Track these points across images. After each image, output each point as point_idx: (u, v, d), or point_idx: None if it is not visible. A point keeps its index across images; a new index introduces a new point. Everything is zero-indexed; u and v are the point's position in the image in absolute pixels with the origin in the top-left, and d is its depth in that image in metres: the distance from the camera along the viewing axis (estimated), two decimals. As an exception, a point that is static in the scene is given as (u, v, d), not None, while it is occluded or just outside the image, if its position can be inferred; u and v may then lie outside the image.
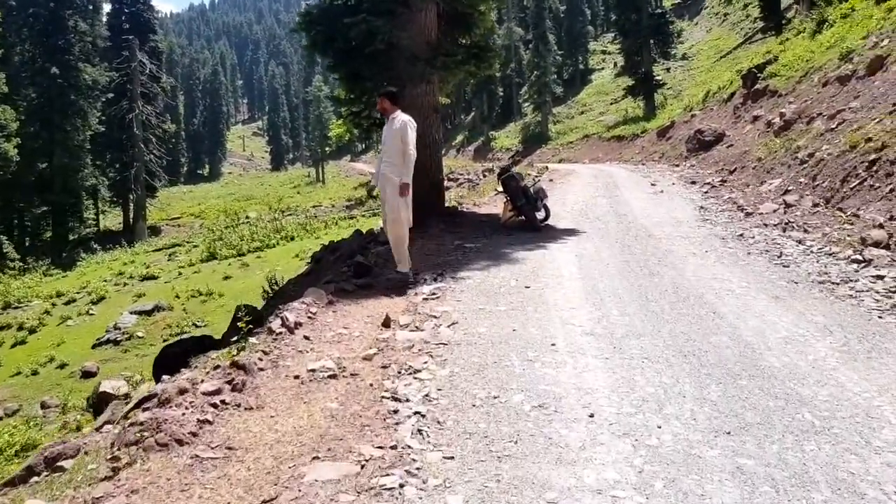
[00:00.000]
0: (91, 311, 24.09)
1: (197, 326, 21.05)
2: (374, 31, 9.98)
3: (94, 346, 20.47)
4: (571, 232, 9.37)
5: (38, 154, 39.67)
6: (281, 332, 4.48)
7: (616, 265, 6.88)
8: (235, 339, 5.47)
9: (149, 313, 22.34)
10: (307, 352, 4.29)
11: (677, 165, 21.57)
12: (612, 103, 52.19)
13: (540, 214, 10.21)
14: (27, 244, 42.54)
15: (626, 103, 47.06)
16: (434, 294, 5.93)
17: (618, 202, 13.37)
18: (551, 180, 20.62)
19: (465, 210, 13.11)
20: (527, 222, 10.05)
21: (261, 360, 3.96)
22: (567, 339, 4.58)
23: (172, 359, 5.50)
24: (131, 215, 46.61)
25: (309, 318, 4.89)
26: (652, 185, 16.65)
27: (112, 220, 52.01)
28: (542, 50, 53.33)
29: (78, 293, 27.06)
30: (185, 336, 7.25)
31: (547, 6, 56.19)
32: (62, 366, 19.13)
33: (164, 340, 20.35)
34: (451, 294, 5.97)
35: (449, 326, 4.89)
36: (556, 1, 63.83)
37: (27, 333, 22.59)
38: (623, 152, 33.55)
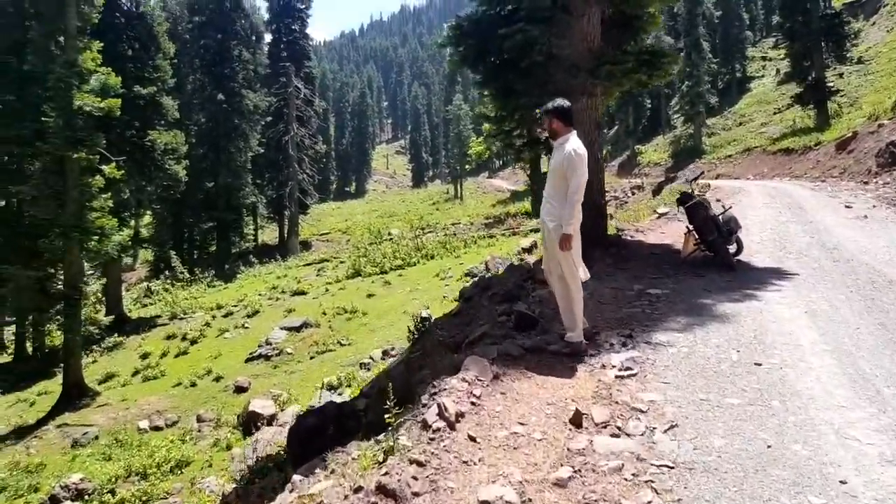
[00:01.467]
0: (246, 325, 25.03)
1: (342, 345, 21.08)
2: (531, 41, 8.87)
3: (246, 361, 21.10)
4: (777, 273, 7.58)
5: (205, 174, 42.96)
6: (439, 429, 3.42)
7: (870, 329, 5.16)
8: (379, 417, 4.52)
9: (297, 329, 22.75)
10: (475, 463, 3.18)
11: (867, 183, 18.64)
12: (775, 113, 47.38)
13: (731, 248, 8.50)
14: (195, 257, 46.18)
15: (792, 113, 42.42)
16: (628, 368, 4.58)
17: (815, 230, 11.16)
18: (718, 200, 18.33)
19: (628, 238, 11.54)
20: (714, 258, 8.39)
21: (415, 478, 2.90)
22: (865, 476, 3.06)
23: (309, 433, 4.70)
24: (285, 231, 49.13)
25: (472, 404, 3.79)
26: (846, 207, 14.15)
27: (269, 234, 55.32)
28: (695, 58, 49.65)
29: (235, 306, 28.41)
30: (322, 404, 6.47)
31: (700, 12, 52.35)
32: (218, 378, 19.82)
33: (311, 358, 20.55)
34: (651, 370, 4.60)
35: (667, 431, 3.56)
36: (710, 6, 59.44)
37: (189, 344, 23.86)
38: (793, 167, 29.84)
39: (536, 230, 30.59)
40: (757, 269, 7.92)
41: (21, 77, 26.71)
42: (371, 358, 18.65)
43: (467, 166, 73.28)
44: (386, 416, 3.67)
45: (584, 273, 5.16)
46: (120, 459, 14.97)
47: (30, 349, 29.28)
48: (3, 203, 27.99)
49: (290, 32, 52.14)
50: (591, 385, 4.34)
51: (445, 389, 3.85)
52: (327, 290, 28.19)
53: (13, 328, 30.83)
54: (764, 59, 61.60)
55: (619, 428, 3.67)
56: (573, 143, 5.11)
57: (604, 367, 4.75)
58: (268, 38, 53.10)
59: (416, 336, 9.37)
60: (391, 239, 39.91)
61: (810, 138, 30.65)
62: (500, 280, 8.71)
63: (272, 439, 13.35)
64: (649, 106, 61.95)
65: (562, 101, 5.29)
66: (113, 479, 13.74)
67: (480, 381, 4.05)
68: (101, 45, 22.11)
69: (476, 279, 10.00)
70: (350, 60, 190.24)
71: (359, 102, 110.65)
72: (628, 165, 56.97)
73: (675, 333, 5.43)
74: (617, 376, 4.46)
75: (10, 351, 30.83)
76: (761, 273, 7.58)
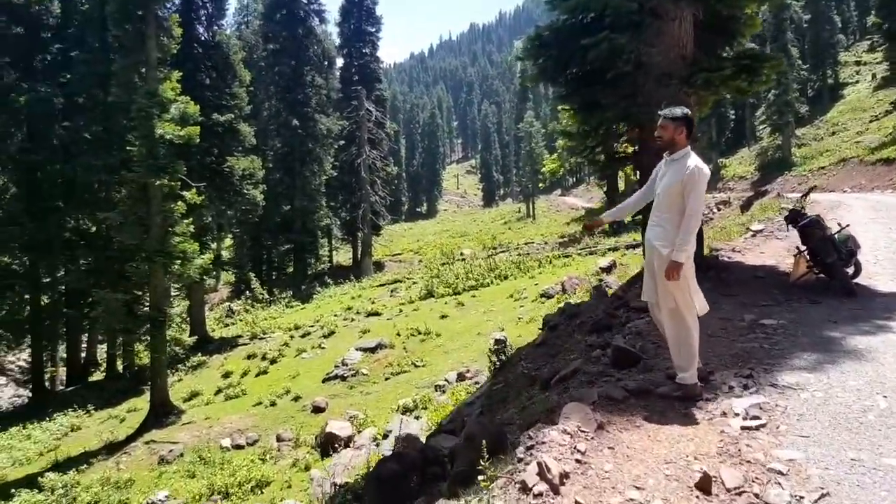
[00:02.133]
0: (322, 345, 25.24)
1: (416, 366, 20.86)
2: (617, 50, 8.35)
3: (323, 381, 21.20)
4: (908, 299, 6.69)
5: (281, 198, 44.18)
6: (541, 493, 2.95)
7: None
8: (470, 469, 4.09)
9: (372, 350, 22.71)
10: (588, 538, 2.71)
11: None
12: (871, 121, 44.33)
13: (848, 270, 7.62)
14: (273, 278, 47.46)
15: (891, 120, 39.58)
16: (755, 417, 3.95)
17: (938, 248, 10.01)
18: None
19: (725, 259, 10.70)
20: (830, 282, 7.53)
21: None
22: None
23: (390, 481, 4.33)
24: (359, 252, 49.81)
25: (577, 461, 3.29)
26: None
27: (343, 255, 56.28)
28: (783, 65, 47.17)
29: (312, 326, 28.77)
30: (402, 447, 6.09)
31: (787, 16, 49.88)
32: (296, 398, 19.96)
33: (386, 379, 20.43)
34: (783, 420, 3.95)
35: (818, 502, 2.95)
36: (798, 9, 56.59)
37: (269, 364, 24.25)
38: (895, 178, 27.66)
39: (614, 249, 29.56)
40: (882, 294, 7.04)
41: (106, 108, 28.27)
42: (446, 380, 18.29)
43: (540, 184, 72.36)
44: (477, 470, 3.24)
45: (701, 305, 4.54)
46: (203, 477, 15.17)
47: (120, 367, 30.65)
48: (94, 229, 29.59)
49: (360, 56, 53.24)
50: (713, 438, 3.73)
51: (545, 443, 3.38)
52: (401, 310, 28.14)
53: (105, 348, 32.41)
54: (858, 63, 58.06)
55: (756, 496, 3.08)
56: (696, 159, 4.55)
57: (724, 414, 4.12)
58: (339, 62, 54.41)
59: (497, 366, 8.91)
60: (463, 259, 39.64)
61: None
62: (588, 307, 8.14)
63: (349, 463, 13.16)
64: (733, 117, 59.39)
65: (687, 110, 4.71)
66: (197, 497, 13.88)
67: (584, 432, 3.55)
68: (181, 74, 22.91)
69: (562, 306, 9.45)
70: (420, 81, 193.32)
71: (429, 123, 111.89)
72: (712, 180, 54.19)
73: (803, 374, 4.73)
74: (743, 427, 3.82)
75: (102, 369, 32.40)
76: (889, 299, 6.71)
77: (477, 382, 16.46)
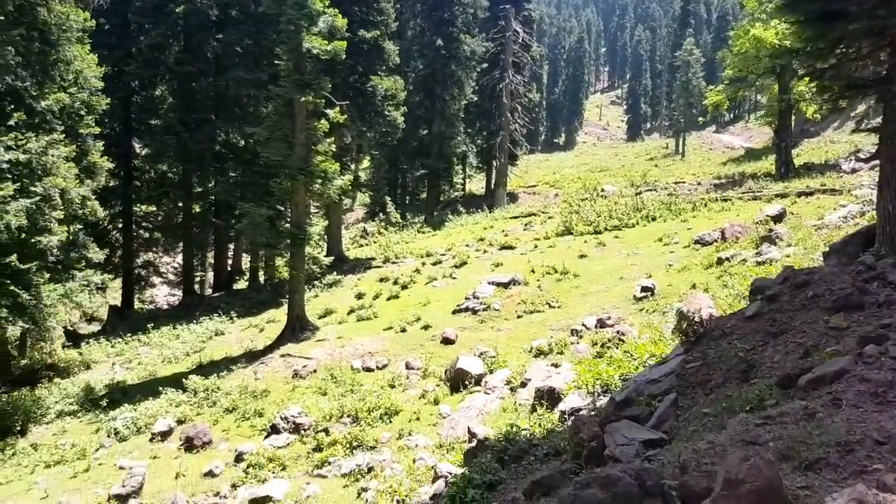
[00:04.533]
0: (454, 275, 24.71)
1: (551, 306, 19.72)
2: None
3: (453, 312, 20.70)
4: None
5: (420, 122, 43.51)
6: None
7: None
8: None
9: (505, 286, 21.82)
10: None
11: None
12: None
13: None
14: (406, 202, 47.62)
15: None
16: None
17: None
18: None
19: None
20: None
21: None
22: None
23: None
24: (493, 181, 48.59)
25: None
26: None
27: (476, 184, 55.33)
28: None
29: (443, 255, 28.32)
30: (609, 473, 4.73)
31: None
32: (426, 327, 19.65)
33: (518, 316, 19.50)
34: None
35: None
36: None
37: (400, 289, 24.15)
38: None
39: (783, 195, 26.07)
40: None
41: (258, 21, 28.33)
42: (584, 325, 16.99)
43: (700, 119, 66.30)
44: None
45: None
46: (334, 397, 15.21)
47: (262, 279, 32.12)
48: (242, 143, 30.47)
49: (512, -27, 50.12)
50: None
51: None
52: (536, 246, 26.88)
53: (249, 259, 34.10)
54: None
55: None
56: None
57: None
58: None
59: (690, 337, 7.37)
60: (605, 196, 37.21)
61: None
62: (822, 276, 6.28)
63: (484, 408, 12.41)
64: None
65: None
66: (328, 417, 13.88)
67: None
68: None
69: (784, 271, 7.60)
70: (569, 4, 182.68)
71: (575, 48, 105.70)
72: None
73: None
74: None
75: (245, 278, 34.21)
76: None
77: (620, 332, 14.98)
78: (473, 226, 36.70)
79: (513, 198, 47.06)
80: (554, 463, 7.48)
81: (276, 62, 21.04)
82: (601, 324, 16.59)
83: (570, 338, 16.37)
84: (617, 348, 12.75)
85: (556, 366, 13.50)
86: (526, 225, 33.08)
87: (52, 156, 16.88)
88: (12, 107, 16.34)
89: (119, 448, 14.48)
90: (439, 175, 45.82)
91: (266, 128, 21.26)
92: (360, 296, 24.03)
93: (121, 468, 12.89)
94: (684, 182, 40.43)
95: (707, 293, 15.16)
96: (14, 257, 15.74)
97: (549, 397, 10.77)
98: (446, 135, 43.19)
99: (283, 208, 21.83)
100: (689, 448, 4.69)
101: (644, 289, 18.27)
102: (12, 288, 15.53)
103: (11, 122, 15.87)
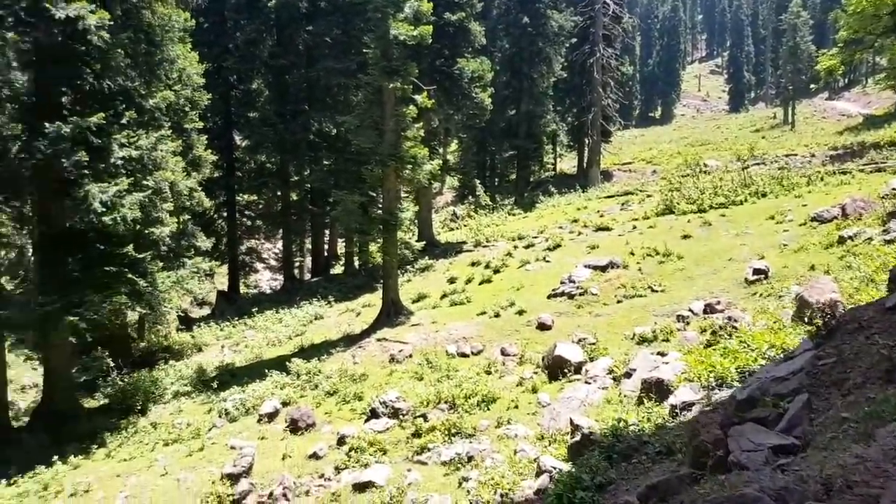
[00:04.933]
0: (547, 258, 24.16)
1: (653, 290, 18.78)
2: None
3: (548, 297, 20.20)
4: None
5: (507, 102, 42.82)
6: None
7: None
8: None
9: (602, 269, 21.05)
10: None
11: None
12: None
13: None
14: (496, 184, 47.14)
15: None
16: None
17: None
18: None
19: None
20: None
21: None
22: None
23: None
24: (585, 159, 47.23)
25: None
26: None
27: (567, 163, 54.02)
28: None
29: (536, 237, 27.78)
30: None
31: None
32: (520, 312, 19.29)
33: (618, 301, 18.70)
34: None
35: None
36: None
37: (492, 273, 23.88)
38: None
39: (911, 165, 23.64)
40: None
41: (345, 11, 28.62)
42: (690, 311, 16.03)
43: (811, 86, 61.57)
44: None
45: None
46: (430, 383, 15.19)
47: (356, 264, 32.82)
48: (334, 132, 31.04)
49: (601, -58, 48.14)
50: None
51: None
52: (634, 227, 25.77)
53: (343, 245, 34.94)
54: None
55: None
56: None
57: None
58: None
59: (822, 330, 6.65)
60: (708, 171, 35.20)
61: None
62: None
63: (586, 399, 11.93)
64: None
65: None
66: (425, 403, 13.87)
67: None
68: None
69: None
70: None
71: (669, 17, 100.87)
72: None
73: None
74: None
75: (341, 263, 35.09)
76: None
77: (731, 318, 13.98)
78: (566, 206, 35.79)
79: (607, 176, 45.58)
80: (667, 464, 7.00)
81: (364, 51, 21.16)
82: (710, 309, 15.59)
83: (676, 324, 15.52)
84: (730, 337, 11.87)
85: (662, 354, 12.78)
86: (623, 204, 31.85)
87: (162, 151, 17.76)
88: (124, 106, 17.27)
89: (230, 428, 15.16)
90: (529, 155, 44.97)
91: (356, 116, 21.49)
92: (452, 280, 23.97)
93: (231, 448, 13.47)
94: (796, 154, 37.63)
95: (829, 276, 13.90)
96: (131, 247, 16.76)
97: (656, 389, 10.16)
98: (535, 114, 42.28)
99: (374, 194, 22.03)
100: (833, 461, 4.14)
101: (756, 271, 17.02)
102: (130, 276, 16.55)
103: (124, 121, 16.78)
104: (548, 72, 42.49)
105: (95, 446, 15.60)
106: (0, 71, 16.20)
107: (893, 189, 19.72)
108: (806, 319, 8.36)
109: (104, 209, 15.30)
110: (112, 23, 16.02)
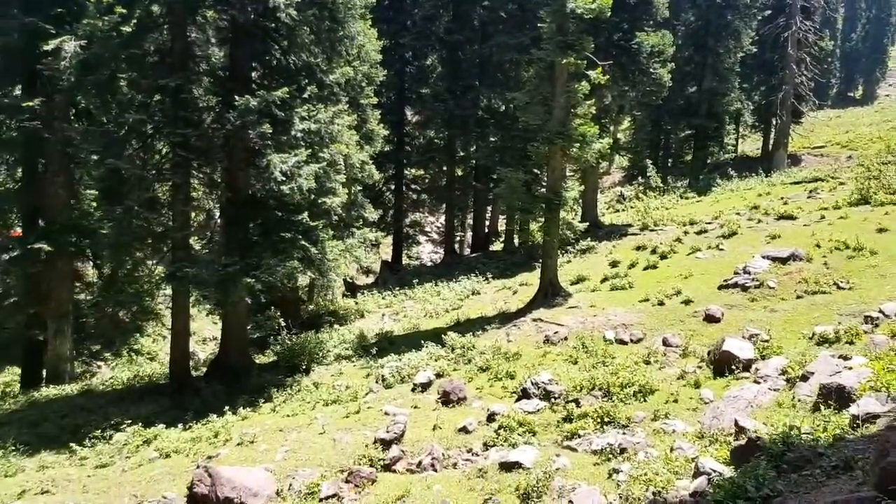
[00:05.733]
0: (721, 246, 22.50)
1: (839, 287, 16.78)
2: None
3: (719, 287, 18.81)
4: None
5: (688, 78, 40.07)
6: None
7: None
8: None
9: (783, 261, 19.17)
10: None
11: None
12: None
13: None
14: (669, 165, 44.50)
15: None
16: None
17: None
18: None
19: None
20: None
21: None
22: None
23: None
24: (770, 142, 43.09)
25: None
26: None
27: (750, 145, 49.61)
28: None
29: (710, 223, 25.99)
30: None
31: None
32: (687, 302, 18.19)
33: (798, 297, 16.93)
34: None
35: None
36: None
37: (659, 259, 22.75)
38: None
39: None
40: None
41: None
42: (881, 312, 14.13)
43: None
44: None
45: None
46: (585, 368, 14.81)
47: (516, 242, 32.82)
48: (503, 108, 31.01)
49: None
50: None
51: None
52: (823, 217, 23.16)
53: (505, 221, 35.06)
54: None
55: None
56: None
57: None
58: None
59: None
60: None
61: None
62: None
63: (754, 399, 10.93)
64: None
65: None
66: (578, 388, 13.53)
67: None
68: None
69: None
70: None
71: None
72: None
73: None
74: None
75: (501, 240, 35.31)
76: None
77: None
78: (745, 191, 32.98)
79: (795, 160, 41.27)
80: (844, 481, 6.19)
81: (539, 25, 20.76)
82: (907, 311, 13.60)
83: (864, 325, 13.79)
84: (933, 346, 10.23)
85: (845, 358, 11.34)
86: (811, 192, 28.74)
87: (338, 125, 18.74)
88: (306, 81, 18.41)
89: (385, 395, 15.85)
90: (708, 135, 41.86)
91: (526, 92, 21.21)
92: (614, 264, 23.13)
93: (385, 414, 14.06)
94: None
95: None
96: (305, 215, 17.93)
97: (837, 396, 8.99)
98: (718, 91, 39.22)
99: (539, 172, 21.74)
100: None
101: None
102: (303, 243, 17.68)
103: (305, 95, 17.88)
104: (735, 46, 39.20)
105: (262, 400, 16.73)
106: (201, 46, 17.94)
107: None
108: None
109: (283, 178, 16.24)
110: (299, 0, 17.06)
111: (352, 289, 28.53)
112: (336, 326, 22.80)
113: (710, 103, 39.65)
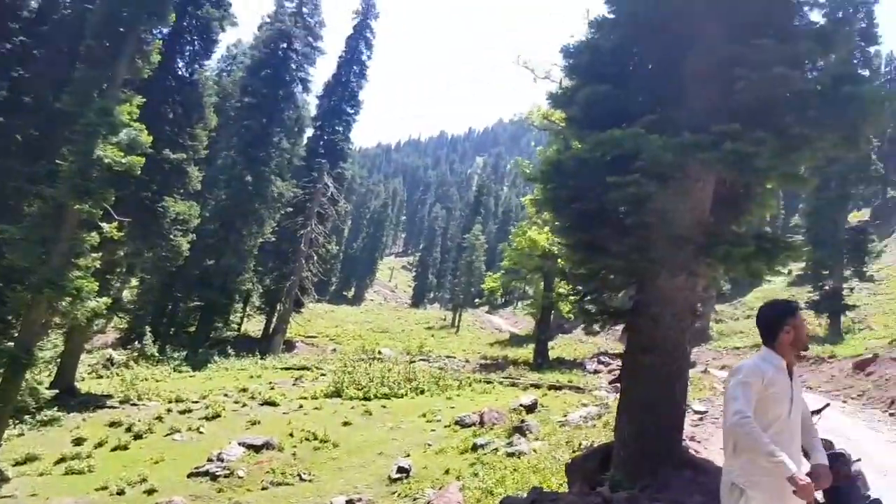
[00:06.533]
0: (202, 429, 22.06)
1: (301, 479, 18.07)
2: (643, 198, 7.11)
3: (189, 475, 18.01)
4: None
5: (209, 251, 41.00)
6: None
7: None
8: None
9: (257, 449, 19.79)
10: None
11: (893, 415, 16.67)
12: (781, 313, 45.89)
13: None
14: (171, 333, 42.91)
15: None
16: None
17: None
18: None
19: (693, 454, 9.21)
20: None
21: None
22: None
23: None
24: (272, 325, 46.55)
25: None
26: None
27: (253, 325, 52.46)
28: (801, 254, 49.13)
29: (196, 402, 25.45)
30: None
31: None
32: (150, 491, 16.73)
33: (263, 488, 17.44)
34: None
35: None
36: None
37: (132, 439, 20.84)
38: (805, 376, 26.94)
39: (536, 385, 28.00)
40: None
41: (50, 114, 25.73)
42: (331, 504, 15.70)
43: (476, 300, 71.64)
44: None
45: None
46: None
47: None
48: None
49: (333, 132, 52.99)
50: None
51: None
52: (301, 406, 25.32)
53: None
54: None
55: None
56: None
57: None
58: (309, 132, 53.73)
59: None
60: (381, 359, 37.21)
61: (823, 349, 27.91)
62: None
63: None
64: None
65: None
66: None
67: None
68: (143, 100, 21.51)
69: (532, 492, 7.51)
70: (380, 170, 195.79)
71: (379, 211, 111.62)
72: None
73: None
74: None
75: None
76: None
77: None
78: (240, 372, 34.06)
79: (290, 346, 45.17)
80: None
81: (57, 161, 18.79)
82: (350, 505, 15.46)
83: (312, 525, 14.96)
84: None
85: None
86: (297, 379, 31.43)
87: None
88: None
89: None
90: (216, 309, 42.57)
91: (23, 227, 18.30)
92: (78, 441, 20.14)
93: None
94: (455, 357, 42.10)
95: (459, 481, 15.06)
96: None
97: None
98: (235, 269, 41.13)
99: (12, 319, 18.33)
100: None
101: (400, 469, 17.65)
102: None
103: None
104: (258, 231, 42.53)
105: None
106: None
107: (521, 405, 22.81)
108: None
109: None
110: None
111: None
112: None
113: (225, 279, 41.03)
